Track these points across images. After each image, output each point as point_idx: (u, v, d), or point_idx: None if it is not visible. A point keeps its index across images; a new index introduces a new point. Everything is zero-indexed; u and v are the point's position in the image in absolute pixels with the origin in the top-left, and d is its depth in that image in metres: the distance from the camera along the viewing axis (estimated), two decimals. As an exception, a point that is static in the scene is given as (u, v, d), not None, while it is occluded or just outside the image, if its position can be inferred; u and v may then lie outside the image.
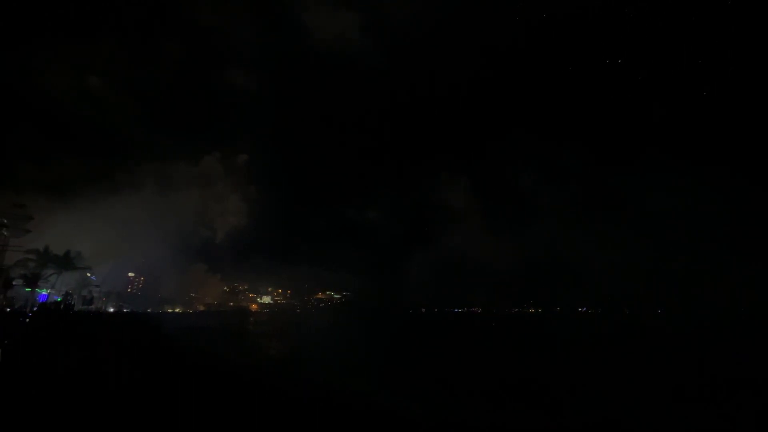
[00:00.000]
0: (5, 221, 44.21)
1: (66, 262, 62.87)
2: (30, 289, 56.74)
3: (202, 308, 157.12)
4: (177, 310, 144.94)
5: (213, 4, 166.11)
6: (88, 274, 72.28)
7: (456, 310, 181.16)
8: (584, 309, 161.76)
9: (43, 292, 60.80)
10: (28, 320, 38.71)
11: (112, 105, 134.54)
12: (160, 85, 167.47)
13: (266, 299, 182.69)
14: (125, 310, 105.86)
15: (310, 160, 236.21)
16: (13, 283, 52.60)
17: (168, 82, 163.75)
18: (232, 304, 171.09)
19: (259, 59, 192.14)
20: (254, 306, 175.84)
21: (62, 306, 61.42)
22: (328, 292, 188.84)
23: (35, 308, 53.73)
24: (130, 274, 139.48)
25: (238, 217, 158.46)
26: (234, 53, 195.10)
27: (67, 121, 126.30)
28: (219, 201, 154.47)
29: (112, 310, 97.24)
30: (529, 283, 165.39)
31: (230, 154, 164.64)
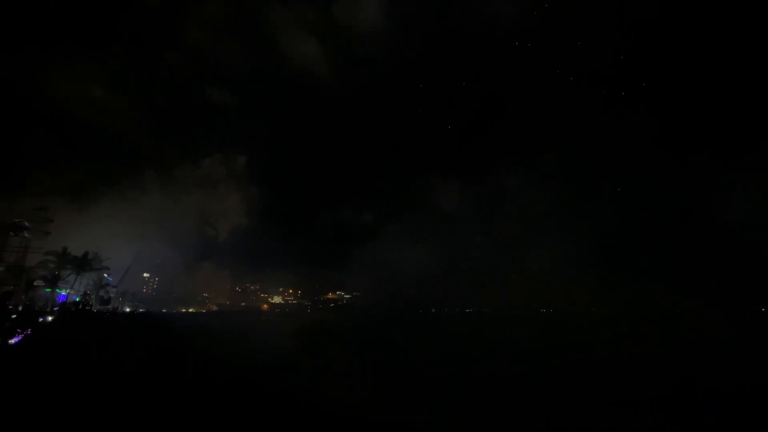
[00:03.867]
0: (27, 224, 45.71)
1: (84, 263, 64.70)
2: (50, 290, 58.53)
3: (214, 308, 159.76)
4: (191, 310, 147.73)
5: (202, 25, 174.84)
6: (105, 275, 74.15)
7: (467, 310, 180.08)
8: (594, 309, 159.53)
9: (63, 293, 62.64)
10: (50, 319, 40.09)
11: (116, 112, 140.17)
12: (161, 93, 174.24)
13: (277, 299, 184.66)
14: (141, 310, 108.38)
15: (303, 164, 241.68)
16: (35, 283, 54.34)
17: (167, 90, 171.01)
18: (243, 304, 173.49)
19: (243, 75, 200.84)
20: (265, 306, 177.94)
21: (81, 306, 63.33)
22: (338, 292, 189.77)
23: (56, 308, 55.50)
24: (144, 275, 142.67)
25: (240, 217, 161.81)
26: (221, 68, 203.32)
27: (77, 129, 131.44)
28: (222, 201, 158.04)
29: (128, 309, 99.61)
30: (536, 283, 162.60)
31: (230, 156, 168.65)
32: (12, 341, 26.46)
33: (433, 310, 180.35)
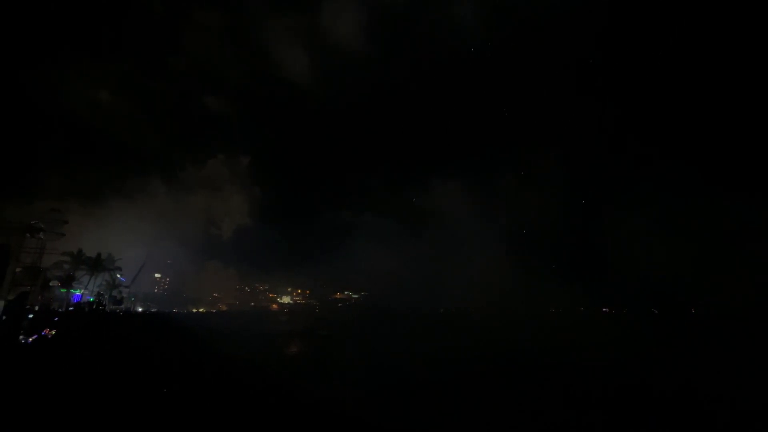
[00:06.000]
0: (42, 226, 46.46)
1: (98, 264, 65.73)
2: (65, 290, 59.59)
3: (224, 308, 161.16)
4: (201, 309, 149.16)
5: (202, 33, 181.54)
6: (118, 276, 75.16)
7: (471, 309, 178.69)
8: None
9: (77, 293, 63.70)
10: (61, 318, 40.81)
11: (124, 117, 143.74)
12: (165, 98, 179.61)
13: (286, 299, 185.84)
14: (153, 310, 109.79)
15: (304, 165, 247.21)
16: (50, 284, 55.35)
17: (171, 95, 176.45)
18: (253, 304, 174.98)
19: (242, 80, 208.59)
20: (275, 306, 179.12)
21: (95, 306, 64.30)
22: (346, 292, 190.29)
23: (71, 308, 56.50)
24: (156, 275, 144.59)
25: (244, 216, 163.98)
26: (220, 74, 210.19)
27: (87, 134, 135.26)
28: (226, 201, 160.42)
29: (140, 309, 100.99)
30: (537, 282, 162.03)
31: (233, 157, 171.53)
32: (30, 339, 27.00)
33: (442, 310, 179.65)
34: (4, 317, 29.16)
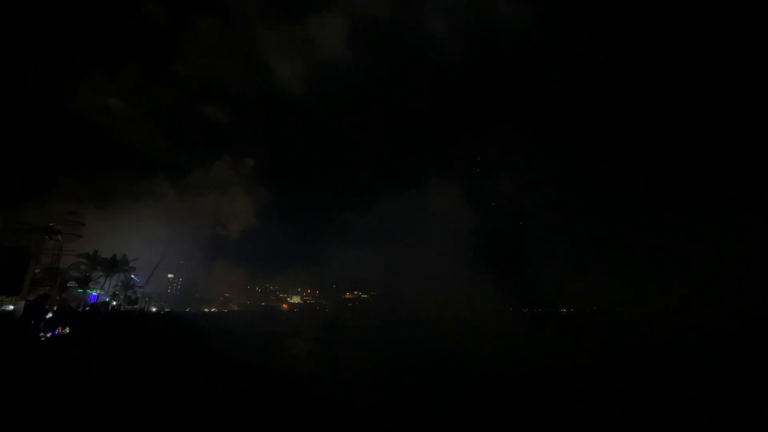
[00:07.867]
0: (60, 228, 47.86)
1: (113, 265, 67.35)
2: (82, 290, 61.22)
3: (235, 308, 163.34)
4: (213, 309, 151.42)
5: (205, 46, 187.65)
6: (133, 276, 76.88)
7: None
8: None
9: (93, 293, 65.37)
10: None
11: (133, 122, 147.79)
12: (172, 104, 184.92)
13: (296, 299, 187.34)
14: (166, 310, 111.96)
15: (306, 167, 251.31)
16: (68, 285, 56.97)
17: (177, 101, 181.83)
18: (263, 303, 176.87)
19: (241, 88, 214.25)
20: (285, 306, 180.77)
21: (110, 306, 65.98)
22: (356, 292, 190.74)
23: (87, 308, 58.08)
24: (169, 276, 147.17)
25: (251, 216, 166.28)
26: (222, 81, 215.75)
27: (98, 139, 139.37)
28: (233, 202, 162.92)
29: (154, 309, 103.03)
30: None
31: (239, 159, 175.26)
32: (48, 334, 27.91)
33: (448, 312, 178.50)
34: (32, 322, 30.20)
